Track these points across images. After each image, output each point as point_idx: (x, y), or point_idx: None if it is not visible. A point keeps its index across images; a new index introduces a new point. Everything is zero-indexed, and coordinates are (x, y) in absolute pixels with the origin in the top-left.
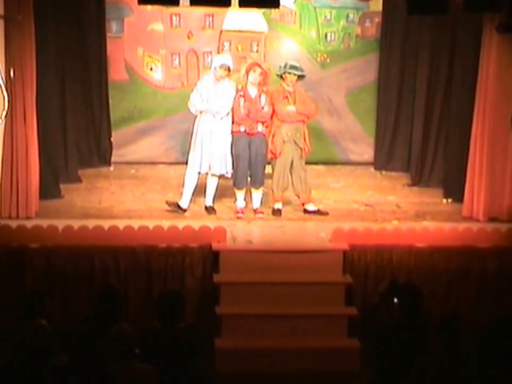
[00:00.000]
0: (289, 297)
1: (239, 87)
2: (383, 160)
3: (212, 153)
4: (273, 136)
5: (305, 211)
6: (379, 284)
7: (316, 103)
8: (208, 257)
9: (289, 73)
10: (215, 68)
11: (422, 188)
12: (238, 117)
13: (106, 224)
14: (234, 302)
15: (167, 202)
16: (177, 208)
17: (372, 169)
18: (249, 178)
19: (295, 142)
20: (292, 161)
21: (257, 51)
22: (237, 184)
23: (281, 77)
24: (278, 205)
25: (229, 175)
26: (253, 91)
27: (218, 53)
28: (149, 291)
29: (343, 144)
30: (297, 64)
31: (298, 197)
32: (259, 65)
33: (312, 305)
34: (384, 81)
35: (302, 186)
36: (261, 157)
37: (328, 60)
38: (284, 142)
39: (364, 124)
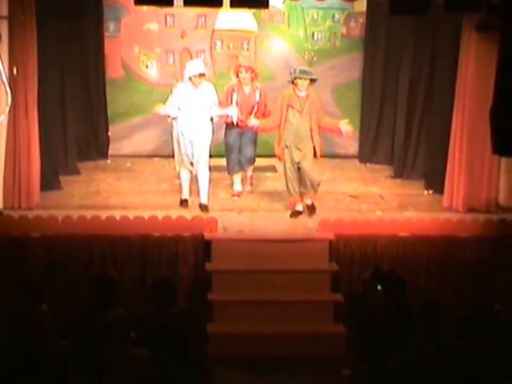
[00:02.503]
0: (278, 284)
1: (234, 83)
2: (367, 154)
3: (195, 152)
4: (279, 139)
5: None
6: (364, 272)
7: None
8: (201, 246)
9: (300, 78)
10: (190, 78)
11: (404, 180)
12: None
13: (103, 214)
14: (225, 289)
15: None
16: (184, 204)
17: (356, 162)
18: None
19: (296, 147)
20: (299, 165)
21: (247, 49)
22: (230, 171)
23: (292, 82)
24: (299, 207)
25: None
26: (246, 88)
27: (211, 52)
28: (143, 278)
29: (329, 138)
30: (306, 69)
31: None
32: (242, 66)
33: (300, 292)
34: (368, 78)
35: (306, 190)
36: (252, 147)
37: (315, 58)
38: (286, 147)
39: (349, 119)
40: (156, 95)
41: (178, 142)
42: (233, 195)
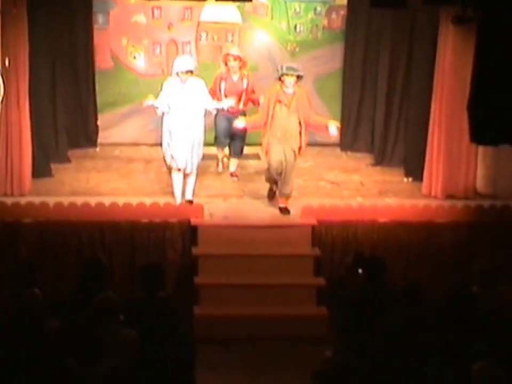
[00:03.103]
0: (262, 269)
1: (223, 71)
2: (348, 142)
3: (189, 149)
4: (264, 135)
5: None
6: (345, 256)
7: (313, 110)
8: (187, 231)
9: (287, 74)
10: (177, 73)
11: (384, 167)
12: (219, 97)
13: (93, 201)
14: (211, 273)
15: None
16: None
17: (338, 150)
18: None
19: (284, 142)
20: (284, 161)
21: (232, 41)
22: (218, 145)
23: (279, 79)
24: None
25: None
26: (235, 76)
27: (196, 43)
28: (132, 263)
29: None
30: (293, 65)
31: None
32: (230, 55)
33: (284, 276)
34: (349, 68)
35: (284, 186)
36: (239, 132)
37: (297, 49)
38: (272, 142)
39: (331, 108)
40: (143, 85)
41: (167, 140)
42: (232, 174)
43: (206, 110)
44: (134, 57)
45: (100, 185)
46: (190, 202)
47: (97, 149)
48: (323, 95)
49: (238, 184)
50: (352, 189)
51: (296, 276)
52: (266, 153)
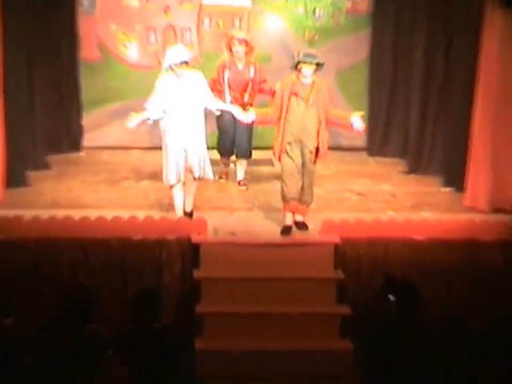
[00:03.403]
0: (276, 295)
1: (226, 59)
2: (376, 145)
3: (191, 156)
4: (277, 134)
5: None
6: (373, 280)
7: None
8: (188, 250)
9: (305, 62)
10: (170, 66)
11: (420, 175)
12: (222, 88)
13: (76, 214)
14: (216, 300)
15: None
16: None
17: (364, 155)
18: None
19: (301, 144)
20: (302, 165)
21: (240, 28)
22: (221, 153)
23: (295, 68)
24: (289, 219)
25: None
26: (240, 63)
27: (198, 30)
28: (123, 288)
29: (333, 128)
30: (312, 51)
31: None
32: (235, 38)
33: (301, 303)
34: (377, 59)
35: (305, 194)
36: (248, 128)
37: (316, 37)
38: (288, 144)
39: (355, 106)
40: (136, 78)
41: (164, 150)
42: (239, 183)
43: (206, 109)
44: (125, 46)
45: (84, 196)
46: (190, 214)
47: (82, 154)
48: (346, 91)
49: (247, 195)
50: (382, 201)
51: (315, 303)
52: (279, 158)
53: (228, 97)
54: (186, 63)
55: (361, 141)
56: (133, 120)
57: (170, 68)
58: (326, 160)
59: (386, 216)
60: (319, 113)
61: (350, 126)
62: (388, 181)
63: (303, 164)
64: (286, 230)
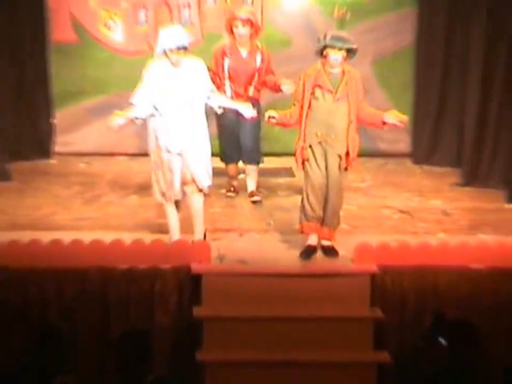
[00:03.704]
0: (297, 339)
1: (226, 43)
2: (424, 152)
3: (190, 163)
4: (299, 135)
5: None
6: (420, 320)
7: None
8: (186, 283)
9: (333, 47)
10: (164, 52)
11: (478, 188)
12: (221, 81)
13: (46, 237)
14: (221, 345)
15: None
16: None
17: (409, 163)
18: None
19: (327, 144)
20: (327, 175)
21: (252, 4)
22: (225, 160)
23: (321, 54)
24: (313, 239)
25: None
26: (243, 49)
27: (199, 7)
28: (104, 330)
29: (369, 129)
30: (342, 34)
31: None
32: (238, 18)
33: (328, 350)
34: (425, 44)
35: (329, 213)
36: (254, 127)
37: (348, 16)
38: (310, 147)
39: (398, 101)
40: (121, 66)
41: (156, 159)
42: (251, 194)
43: (207, 106)
44: (107, 27)
45: (56, 214)
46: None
47: (52, 161)
48: (386, 84)
49: (260, 213)
50: (431, 221)
51: (346, 349)
52: (303, 164)
53: (229, 91)
54: (184, 48)
55: (404, 146)
56: (117, 120)
57: (164, 54)
58: (359, 169)
59: (436, 239)
60: (350, 110)
61: (381, 125)
62: (438, 196)
63: (328, 174)
64: (307, 252)
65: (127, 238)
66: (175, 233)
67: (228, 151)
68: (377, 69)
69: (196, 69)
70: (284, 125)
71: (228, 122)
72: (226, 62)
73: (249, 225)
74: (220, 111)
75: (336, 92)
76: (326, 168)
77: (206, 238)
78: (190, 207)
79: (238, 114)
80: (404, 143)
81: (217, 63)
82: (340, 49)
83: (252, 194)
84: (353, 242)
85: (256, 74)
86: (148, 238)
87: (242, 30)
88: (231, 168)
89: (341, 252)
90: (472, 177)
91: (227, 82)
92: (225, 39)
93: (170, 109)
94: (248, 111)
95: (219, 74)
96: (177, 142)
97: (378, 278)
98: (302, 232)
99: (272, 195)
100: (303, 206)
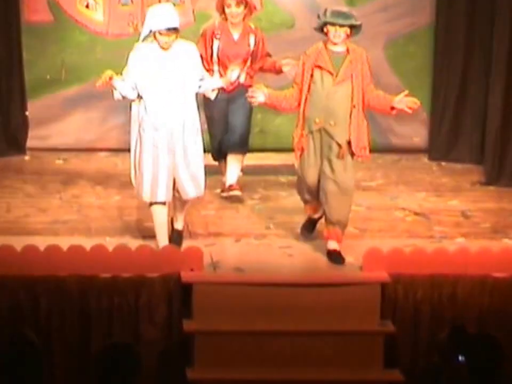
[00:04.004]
0: (298, 355)
1: (216, 23)
2: (442, 147)
3: (179, 168)
4: (297, 122)
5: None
6: (436, 333)
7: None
8: (176, 293)
9: (333, 24)
10: (152, 34)
11: (502, 188)
12: (210, 65)
13: (18, 242)
14: (214, 362)
15: None
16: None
17: (425, 159)
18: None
19: (326, 132)
20: (325, 165)
21: None
22: (217, 156)
23: (321, 30)
24: (333, 244)
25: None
26: (235, 31)
27: None
28: (85, 345)
29: (381, 121)
30: (344, 9)
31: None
32: None
33: (334, 368)
34: (445, 24)
35: (330, 209)
36: (245, 117)
37: None
38: (309, 133)
39: (413, 89)
40: (102, 50)
41: (140, 152)
42: (231, 188)
43: (198, 94)
44: (87, 7)
45: (30, 217)
46: (179, 235)
47: (26, 157)
48: (401, 69)
49: (259, 215)
50: (449, 224)
51: (354, 366)
52: (301, 153)
53: (217, 78)
54: (175, 30)
55: (420, 141)
56: (103, 81)
57: (152, 36)
58: (370, 166)
59: (455, 244)
60: (354, 93)
61: (389, 110)
62: (457, 196)
63: (329, 164)
64: (308, 224)
65: (110, 243)
66: (163, 238)
67: (218, 145)
68: (390, 53)
69: (187, 54)
70: (276, 107)
71: (217, 111)
72: (216, 44)
73: (246, 229)
74: (213, 96)
75: (337, 74)
76: (326, 158)
77: (185, 231)
78: (175, 203)
79: (228, 102)
80: (419, 138)
81: (206, 46)
82: (342, 26)
83: (231, 188)
84: (362, 247)
85: (249, 59)
86: (132, 243)
87: (235, 10)
88: (224, 164)
89: (348, 258)
90: (496, 175)
91: (216, 67)
92: (215, 19)
93: (157, 97)
94: (233, 75)
95: (207, 58)
96: (164, 129)
97: (389, 287)
98: (303, 229)
99: (272, 195)
100: (299, 191)
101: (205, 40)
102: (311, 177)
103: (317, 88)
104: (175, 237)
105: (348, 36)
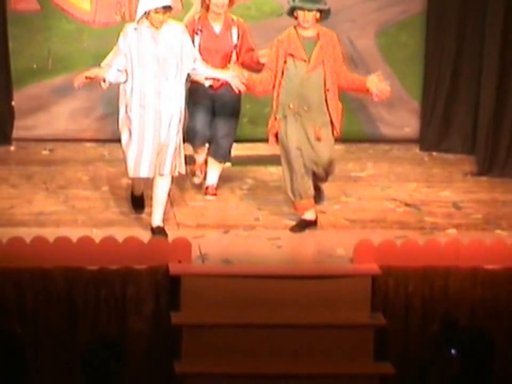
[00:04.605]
0: (288, 349)
1: (196, 18)
2: (434, 136)
3: (162, 146)
4: (272, 106)
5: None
6: (427, 326)
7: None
8: (163, 285)
9: (302, 8)
10: (146, 14)
11: (495, 178)
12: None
13: (4, 234)
14: (202, 355)
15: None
16: (138, 204)
17: (416, 149)
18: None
19: (300, 116)
20: (308, 146)
21: None
22: (191, 140)
23: (291, 14)
24: (308, 214)
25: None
26: (217, 24)
27: None
28: (71, 338)
29: (372, 111)
30: None
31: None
32: None
33: (324, 361)
34: (437, 13)
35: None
36: (231, 117)
37: None
38: (283, 117)
39: (405, 79)
40: (90, 39)
41: (129, 129)
42: (207, 192)
43: (189, 79)
44: None
45: (15, 208)
46: (160, 231)
47: (11, 148)
48: (392, 58)
49: (247, 206)
50: (440, 215)
51: (345, 359)
52: (276, 138)
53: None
54: (169, 8)
55: (411, 130)
56: (81, 79)
57: (146, 16)
58: (360, 156)
59: (447, 236)
60: (326, 77)
61: (366, 90)
62: (449, 186)
63: (309, 146)
64: (301, 226)
65: (97, 235)
66: (138, 186)
67: (197, 129)
68: (381, 43)
69: (178, 34)
70: (251, 89)
71: (201, 99)
72: (197, 40)
73: (235, 221)
74: (208, 83)
75: (309, 61)
76: (306, 140)
77: (164, 232)
78: (153, 190)
79: (214, 99)
80: (410, 128)
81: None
82: (310, 10)
83: (208, 191)
84: (352, 239)
85: (234, 53)
86: (120, 235)
87: (218, 1)
88: (201, 149)
89: (339, 250)
90: (488, 166)
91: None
92: (195, 11)
93: (146, 77)
94: (237, 80)
95: None
96: (150, 108)
97: (380, 280)
98: (297, 211)
99: (261, 186)
100: (288, 186)
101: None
102: (294, 154)
103: (290, 75)
104: (157, 233)
105: (317, 20)
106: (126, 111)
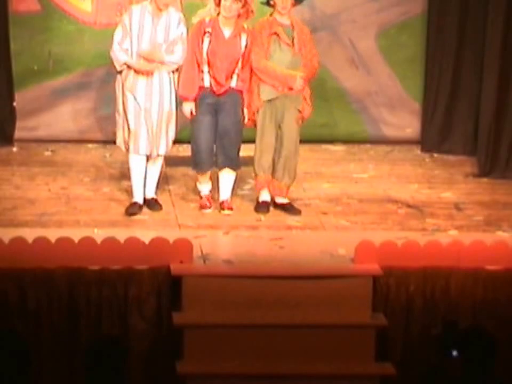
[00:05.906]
0: (289, 349)
1: (206, 20)
2: (435, 138)
3: (154, 126)
4: (250, 94)
5: (274, 204)
6: (428, 328)
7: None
8: (165, 285)
9: None
10: None
11: (496, 180)
12: (200, 66)
13: (6, 234)
14: (204, 356)
15: (126, 212)
16: (135, 210)
17: (418, 150)
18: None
19: (287, 98)
20: (284, 131)
21: None
22: (198, 165)
23: (268, 3)
24: (264, 196)
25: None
26: (227, 29)
27: None
28: (73, 338)
29: (373, 112)
30: None
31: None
32: None
33: (325, 361)
34: (437, 14)
35: (280, 170)
36: (235, 126)
37: None
38: (264, 101)
39: (406, 80)
40: (91, 41)
41: (125, 106)
42: (202, 206)
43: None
44: None
45: (17, 208)
46: (154, 203)
47: (14, 149)
48: (393, 60)
49: (249, 207)
50: (442, 216)
51: (346, 360)
52: (252, 121)
53: (207, 80)
54: None
55: (413, 131)
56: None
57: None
58: (361, 157)
59: (448, 237)
60: (304, 63)
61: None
62: (450, 188)
63: (285, 128)
64: (260, 208)
65: (99, 235)
66: (138, 193)
67: (203, 155)
68: (382, 43)
69: (172, 18)
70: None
71: (205, 119)
72: (206, 42)
73: (236, 221)
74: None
75: (293, 44)
76: (282, 122)
77: (158, 203)
78: (147, 167)
79: (217, 106)
80: (412, 128)
81: (194, 44)
82: None
83: (223, 205)
84: (354, 240)
85: (240, 61)
86: (121, 235)
87: (233, 5)
88: (206, 178)
89: (340, 251)
90: (489, 167)
91: (206, 68)
92: (207, 12)
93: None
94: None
95: (197, 57)
96: (145, 88)
97: (381, 280)
98: (256, 187)
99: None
100: (255, 159)
101: (195, 36)
102: (270, 135)
103: (277, 57)
104: (152, 205)
105: (291, 7)
106: (123, 91)
